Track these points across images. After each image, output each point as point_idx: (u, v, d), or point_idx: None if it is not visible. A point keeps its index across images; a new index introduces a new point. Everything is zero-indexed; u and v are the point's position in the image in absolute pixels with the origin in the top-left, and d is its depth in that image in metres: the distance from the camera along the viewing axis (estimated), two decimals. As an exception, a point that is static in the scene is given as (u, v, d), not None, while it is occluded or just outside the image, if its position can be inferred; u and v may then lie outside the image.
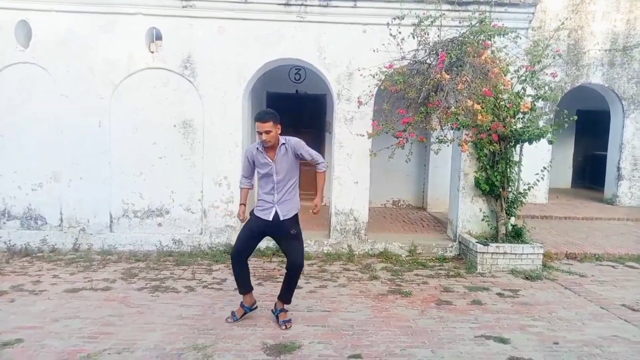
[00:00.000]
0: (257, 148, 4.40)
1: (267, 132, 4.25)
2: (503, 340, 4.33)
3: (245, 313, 4.70)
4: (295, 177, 4.48)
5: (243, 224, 4.64)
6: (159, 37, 6.99)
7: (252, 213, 4.57)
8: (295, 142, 4.38)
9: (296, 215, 4.51)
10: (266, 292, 5.53)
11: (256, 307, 4.79)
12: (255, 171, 4.56)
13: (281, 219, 4.39)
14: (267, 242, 7.12)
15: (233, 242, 6.93)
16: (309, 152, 4.43)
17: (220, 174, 7.11)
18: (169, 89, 7.04)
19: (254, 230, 4.50)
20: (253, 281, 5.83)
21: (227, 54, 6.96)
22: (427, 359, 3.97)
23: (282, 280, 5.84)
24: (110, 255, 6.89)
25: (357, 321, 4.73)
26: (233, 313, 4.70)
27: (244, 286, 4.68)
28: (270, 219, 4.40)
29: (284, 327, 4.49)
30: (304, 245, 4.73)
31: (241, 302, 4.73)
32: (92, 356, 3.90)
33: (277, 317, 4.60)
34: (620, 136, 11.08)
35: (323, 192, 4.63)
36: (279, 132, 4.38)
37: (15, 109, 7.00)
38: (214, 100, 7.02)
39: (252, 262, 6.61)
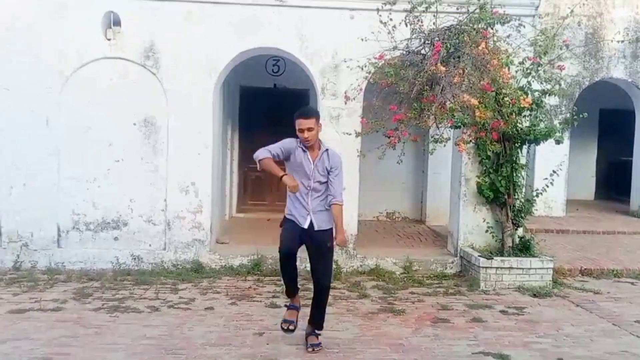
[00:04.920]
0: (300, 146, 4.83)
1: (310, 130, 4.72)
2: (503, 357, 4.85)
3: (298, 313, 5.02)
4: (325, 192, 4.89)
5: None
6: (117, 23, 7.44)
7: (285, 220, 4.96)
8: (338, 157, 4.92)
9: (331, 229, 4.94)
10: (241, 311, 6.02)
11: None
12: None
13: (316, 229, 4.84)
14: (240, 260, 7.61)
15: (201, 259, 7.54)
16: (340, 178, 4.92)
17: (187, 179, 7.57)
18: (128, 81, 7.52)
19: (293, 229, 4.86)
20: (225, 300, 6.39)
21: (196, 43, 7.46)
22: (420, 375, 4.49)
23: (258, 300, 6.41)
24: (58, 274, 7.26)
25: (343, 339, 5.22)
26: (288, 321, 4.94)
27: (293, 288, 5.03)
28: (306, 226, 4.83)
29: (310, 349, 4.89)
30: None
31: (291, 305, 5.04)
32: (49, 377, 4.33)
33: (306, 339, 5.00)
34: (646, 139, 11.80)
35: (343, 227, 4.97)
36: (320, 131, 4.89)
37: (-54, 104, 7.39)
38: (180, 94, 7.51)
39: (225, 281, 7.14)
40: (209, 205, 7.70)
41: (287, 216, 4.95)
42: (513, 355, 4.90)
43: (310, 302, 5.07)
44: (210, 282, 7.08)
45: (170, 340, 5.10)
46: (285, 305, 5.11)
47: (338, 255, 7.63)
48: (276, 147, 4.81)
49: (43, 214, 7.51)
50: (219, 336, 5.24)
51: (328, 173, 4.84)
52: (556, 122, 7.86)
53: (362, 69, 6.99)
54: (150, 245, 7.68)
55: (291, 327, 4.91)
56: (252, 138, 10.76)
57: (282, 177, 4.73)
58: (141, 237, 7.67)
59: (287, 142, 4.85)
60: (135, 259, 7.57)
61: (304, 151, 4.83)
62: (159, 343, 5.03)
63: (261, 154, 4.75)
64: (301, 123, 4.73)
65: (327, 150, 4.89)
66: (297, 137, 4.82)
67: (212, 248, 7.86)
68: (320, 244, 4.86)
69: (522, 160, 7.46)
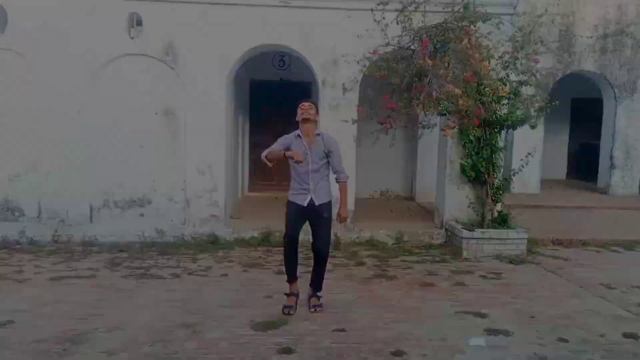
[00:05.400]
0: (297, 135, 4.88)
1: (310, 107, 4.86)
2: (482, 315, 4.93)
3: (297, 300, 5.02)
4: (326, 172, 4.95)
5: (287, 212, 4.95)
6: (139, 23, 7.47)
7: (288, 203, 4.98)
8: (331, 138, 4.94)
9: (330, 202, 4.97)
10: (252, 278, 6.10)
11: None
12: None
13: (316, 204, 4.87)
14: (251, 233, 7.68)
15: (217, 232, 7.58)
16: (338, 155, 4.95)
17: (203, 162, 7.63)
18: (149, 75, 7.54)
19: (296, 212, 4.90)
20: (238, 268, 6.45)
21: (210, 40, 7.47)
22: (409, 331, 4.55)
23: (267, 267, 6.49)
24: (92, 247, 7.37)
25: (342, 301, 5.28)
26: (288, 307, 4.91)
27: (293, 272, 5.02)
28: (305, 204, 4.86)
29: (313, 310, 4.96)
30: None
31: (290, 292, 5.02)
32: (84, 334, 4.39)
33: (308, 301, 5.07)
34: (612, 124, 11.75)
35: (347, 203, 5.03)
36: (318, 121, 4.98)
37: (-11, 97, 7.42)
38: (196, 87, 7.54)
39: (238, 252, 7.21)
40: (223, 185, 7.76)
41: (290, 197, 4.95)
42: (491, 313, 4.97)
43: (311, 268, 5.13)
44: (225, 252, 7.16)
45: (190, 303, 5.19)
46: (285, 294, 5.02)
47: (337, 228, 7.70)
48: (275, 145, 4.86)
49: (77, 194, 7.58)
50: (232, 299, 5.33)
51: (327, 155, 4.88)
52: (532, 109, 7.85)
53: (358, 63, 6.99)
54: (172, 220, 7.75)
55: (291, 312, 4.87)
56: (261, 125, 10.87)
57: (284, 153, 4.73)
58: (164, 213, 7.74)
59: (283, 138, 4.92)
60: (159, 232, 7.65)
61: (300, 137, 4.86)
62: (181, 305, 5.12)
63: (264, 152, 4.84)
64: (303, 104, 4.89)
65: (319, 134, 4.92)
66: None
67: (227, 223, 7.93)
68: (320, 216, 4.90)
69: (501, 144, 7.49)
